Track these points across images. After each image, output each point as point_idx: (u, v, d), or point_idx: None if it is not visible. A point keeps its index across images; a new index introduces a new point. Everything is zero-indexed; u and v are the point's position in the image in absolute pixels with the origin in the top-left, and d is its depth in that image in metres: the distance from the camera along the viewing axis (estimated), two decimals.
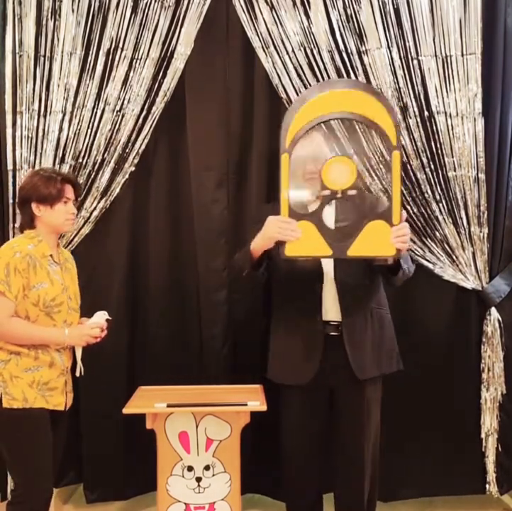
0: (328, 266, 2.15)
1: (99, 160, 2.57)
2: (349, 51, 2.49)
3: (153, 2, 2.50)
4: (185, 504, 2.30)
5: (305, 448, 2.22)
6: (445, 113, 2.50)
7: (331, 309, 2.14)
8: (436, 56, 2.49)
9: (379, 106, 1.98)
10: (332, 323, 2.14)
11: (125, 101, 2.55)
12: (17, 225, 2.29)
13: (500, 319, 2.60)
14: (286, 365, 2.20)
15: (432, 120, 2.51)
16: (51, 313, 1.98)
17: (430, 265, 2.60)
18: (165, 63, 2.55)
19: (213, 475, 2.30)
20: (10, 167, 2.54)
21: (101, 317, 2.10)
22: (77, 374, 2.12)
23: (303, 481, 2.26)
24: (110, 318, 2.11)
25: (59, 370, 2.03)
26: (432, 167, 2.53)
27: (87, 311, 2.18)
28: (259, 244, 2.04)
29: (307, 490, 2.28)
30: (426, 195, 2.55)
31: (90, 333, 2.04)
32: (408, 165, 2.53)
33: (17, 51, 2.51)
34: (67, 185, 2.06)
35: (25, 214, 2.05)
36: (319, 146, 2.10)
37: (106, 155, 2.57)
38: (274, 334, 2.28)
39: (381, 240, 1.96)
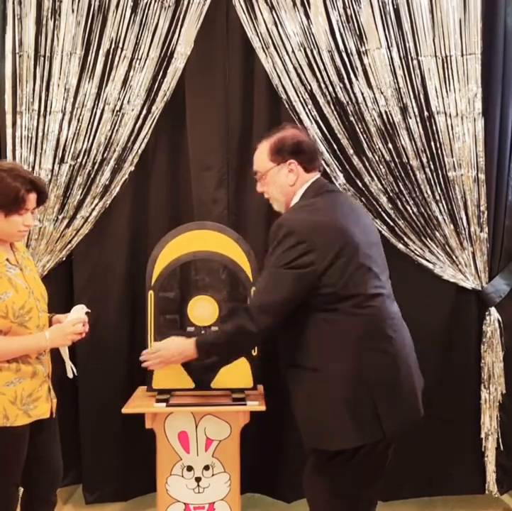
0: None
1: (99, 160, 2.57)
2: (349, 51, 2.49)
3: (153, 2, 2.50)
4: (184, 504, 2.30)
5: None
6: (445, 113, 2.50)
7: None
8: (436, 56, 2.49)
9: (235, 245, 2.25)
10: None
11: (125, 101, 2.55)
12: None
13: (500, 318, 2.60)
14: None
15: (432, 120, 2.51)
16: (23, 322, 1.84)
17: (430, 265, 2.60)
18: (165, 63, 2.55)
19: (213, 475, 2.30)
20: None
21: (79, 312, 1.95)
22: (69, 375, 2.00)
23: None
24: (89, 310, 1.97)
25: (42, 379, 1.92)
26: (432, 167, 2.53)
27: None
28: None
29: None
30: (426, 195, 2.55)
31: (73, 330, 1.89)
32: (408, 165, 2.53)
33: (17, 51, 2.51)
34: (31, 195, 1.84)
35: None
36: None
37: (105, 154, 2.57)
38: None
39: (240, 373, 2.19)
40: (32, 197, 1.85)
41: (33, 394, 1.88)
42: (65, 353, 1.96)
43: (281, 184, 1.91)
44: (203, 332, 2.21)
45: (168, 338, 2.06)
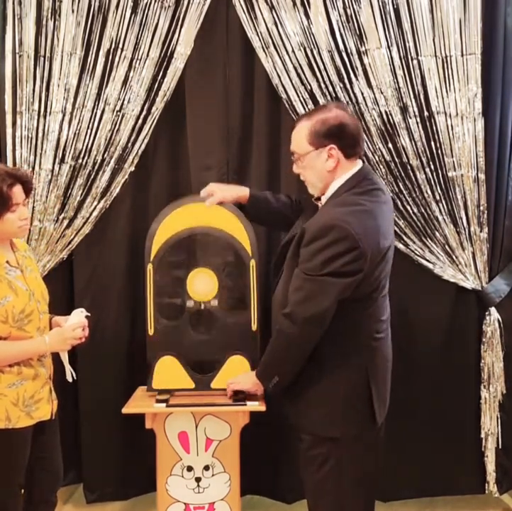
0: None
1: (99, 160, 2.57)
2: (349, 51, 2.49)
3: (153, 2, 2.50)
4: (184, 504, 2.30)
5: None
6: (445, 113, 2.50)
7: None
8: (436, 56, 2.49)
9: (235, 219, 2.16)
10: None
11: (125, 102, 2.55)
12: None
13: (500, 318, 2.60)
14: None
15: (432, 120, 2.51)
16: (23, 326, 1.83)
17: (430, 265, 2.60)
18: (165, 63, 2.55)
19: (213, 475, 2.30)
20: None
21: (79, 316, 1.93)
22: (69, 379, 2.00)
23: None
24: (89, 314, 1.96)
25: (44, 380, 1.92)
26: (432, 167, 2.53)
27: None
28: None
29: None
30: (426, 195, 2.55)
31: (73, 335, 1.88)
32: (408, 165, 2.53)
33: (17, 51, 2.51)
34: (15, 188, 1.80)
35: None
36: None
37: (105, 155, 2.57)
38: None
39: (240, 373, 2.18)
40: (17, 190, 1.82)
41: (35, 395, 1.88)
42: (65, 357, 1.96)
43: (319, 169, 1.80)
44: (202, 307, 2.16)
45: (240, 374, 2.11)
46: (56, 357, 1.99)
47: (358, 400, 1.82)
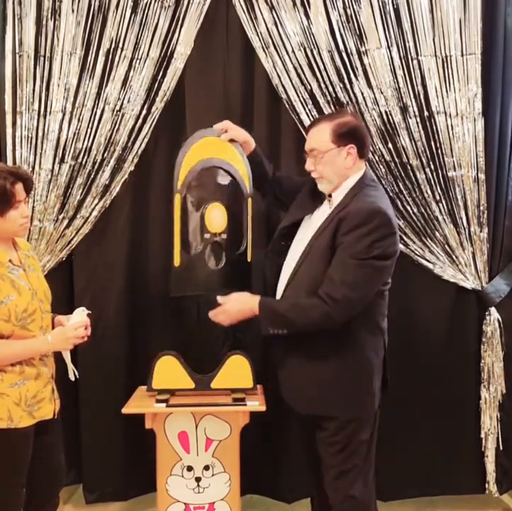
0: None
1: (99, 160, 2.57)
2: (349, 51, 2.49)
3: (153, 2, 2.50)
4: (184, 504, 2.30)
5: None
6: (445, 113, 2.50)
7: None
8: (436, 56, 2.49)
9: (240, 158, 2.19)
10: None
11: (125, 101, 2.55)
12: None
13: (499, 318, 2.60)
14: None
15: (432, 120, 2.51)
16: (25, 325, 1.83)
17: (430, 265, 2.60)
18: (165, 63, 2.55)
19: (213, 475, 2.30)
20: None
21: (81, 315, 1.94)
22: (71, 378, 2.02)
23: None
24: (90, 312, 1.96)
25: (46, 380, 1.92)
26: (432, 167, 2.53)
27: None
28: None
29: None
30: (426, 195, 2.55)
31: (75, 334, 1.89)
32: (407, 165, 2.53)
33: (17, 51, 2.51)
34: (17, 186, 1.83)
35: None
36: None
37: (105, 154, 2.57)
38: None
39: (240, 373, 2.22)
40: (19, 188, 1.84)
41: (37, 395, 1.88)
42: (67, 356, 1.97)
43: (338, 166, 1.95)
44: (216, 239, 2.15)
45: (233, 293, 2.05)
46: (58, 356, 1.99)
47: (370, 383, 1.95)
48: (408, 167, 2.54)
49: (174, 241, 2.11)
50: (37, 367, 1.88)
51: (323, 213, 2.00)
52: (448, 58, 2.49)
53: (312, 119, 2.51)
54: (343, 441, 1.92)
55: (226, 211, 2.17)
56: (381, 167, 2.55)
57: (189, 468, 2.29)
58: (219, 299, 2.04)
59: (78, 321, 1.92)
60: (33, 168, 2.52)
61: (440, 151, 2.52)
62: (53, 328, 1.98)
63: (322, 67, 2.50)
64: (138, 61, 2.54)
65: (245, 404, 2.18)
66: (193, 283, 2.14)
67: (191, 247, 2.12)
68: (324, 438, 1.95)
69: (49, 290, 2.00)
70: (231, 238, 2.19)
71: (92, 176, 2.57)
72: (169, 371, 2.20)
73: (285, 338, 1.92)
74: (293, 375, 1.98)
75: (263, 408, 2.17)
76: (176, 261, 2.09)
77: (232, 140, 2.20)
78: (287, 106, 2.55)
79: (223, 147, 2.18)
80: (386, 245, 1.83)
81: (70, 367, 1.99)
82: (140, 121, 2.57)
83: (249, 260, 2.23)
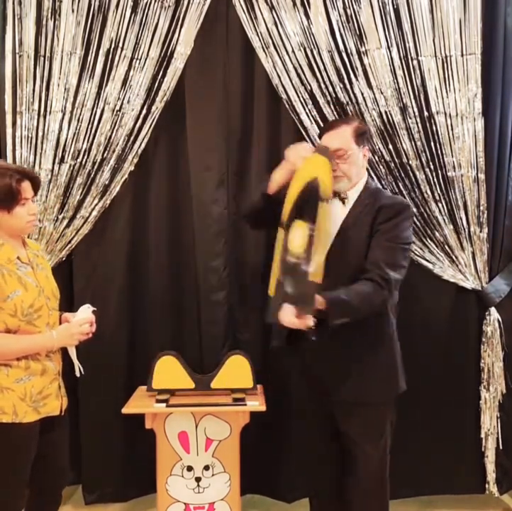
0: None
1: (99, 160, 2.57)
2: (349, 51, 2.49)
3: (153, 2, 2.50)
4: (184, 504, 2.30)
5: None
6: (445, 113, 2.50)
7: None
8: (436, 56, 2.49)
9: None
10: None
11: (125, 101, 2.55)
12: None
13: (499, 318, 2.60)
14: None
15: (432, 120, 2.51)
16: (32, 320, 1.86)
17: (430, 265, 2.60)
18: (165, 63, 2.55)
19: (213, 475, 2.30)
20: None
21: (86, 311, 1.99)
22: (77, 374, 2.06)
23: None
24: (95, 309, 2.01)
25: (52, 376, 1.94)
26: (432, 167, 2.53)
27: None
28: None
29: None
30: (426, 195, 2.55)
31: (80, 330, 1.93)
32: (407, 165, 2.53)
33: (17, 51, 2.51)
34: (23, 184, 1.87)
35: None
36: None
37: (105, 154, 2.57)
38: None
39: (240, 373, 2.22)
40: (26, 186, 1.88)
41: (43, 391, 1.91)
42: (73, 353, 2.01)
43: (358, 166, 2.08)
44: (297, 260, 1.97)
45: None
46: (64, 355, 2.02)
47: (401, 366, 2.08)
48: (408, 168, 2.54)
49: (273, 269, 1.97)
50: (43, 363, 1.91)
51: (338, 209, 2.06)
52: (448, 58, 2.49)
53: (312, 119, 2.52)
54: (379, 422, 2.07)
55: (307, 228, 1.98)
56: (381, 167, 2.55)
57: (189, 468, 2.29)
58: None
59: (83, 318, 1.97)
60: (33, 168, 2.52)
61: (439, 151, 2.52)
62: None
63: (322, 67, 2.50)
64: (138, 61, 2.54)
65: (245, 404, 2.18)
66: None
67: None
68: (360, 423, 2.04)
69: (57, 290, 2.04)
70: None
71: (92, 176, 2.57)
72: (169, 371, 2.21)
73: (326, 331, 1.91)
74: (338, 365, 2.02)
75: (263, 408, 2.17)
76: (271, 291, 1.99)
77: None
78: (287, 106, 2.55)
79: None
80: (411, 233, 2.08)
81: (76, 363, 2.02)
82: (139, 120, 2.57)
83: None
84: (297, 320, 1.79)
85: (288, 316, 1.80)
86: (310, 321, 1.80)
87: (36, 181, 1.94)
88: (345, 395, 2.02)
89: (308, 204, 1.93)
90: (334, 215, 2.03)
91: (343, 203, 2.07)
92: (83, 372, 2.07)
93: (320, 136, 2.16)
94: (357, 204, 2.06)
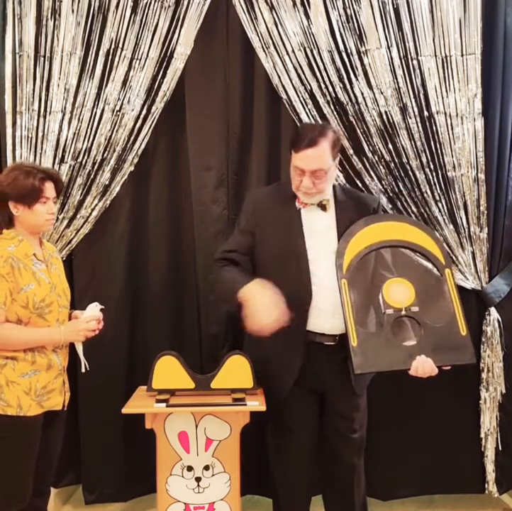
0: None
1: (99, 160, 2.57)
2: (349, 51, 2.49)
3: (153, 2, 2.50)
4: (184, 504, 2.30)
5: None
6: (445, 113, 2.50)
7: None
8: (436, 56, 2.49)
9: (422, 233, 2.17)
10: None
11: (125, 101, 2.55)
12: None
13: (499, 318, 2.60)
14: None
15: (432, 120, 2.51)
16: (43, 314, 1.94)
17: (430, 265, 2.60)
18: (165, 63, 2.55)
19: (213, 475, 2.30)
20: None
21: (94, 309, 2.08)
22: (82, 369, 2.11)
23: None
24: (103, 307, 2.10)
25: (57, 371, 1.99)
26: (432, 167, 2.53)
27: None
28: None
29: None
30: (426, 195, 2.55)
31: (87, 327, 2.01)
32: (407, 165, 2.53)
33: (17, 51, 2.51)
34: (47, 183, 1.97)
35: (3, 212, 1.96)
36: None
37: (105, 154, 2.57)
38: None
39: (240, 373, 2.22)
40: (48, 186, 1.98)
41: (48, 386, 1.95)
42: (79, 349, 2.08)
43: (333, 178, 2.12)
44: (403, 312, 2.08)
45: None
46: (70, 352, 2.09)
47: None
48: (408, 167, 2.53)
49: (348, 321, 2.05)
50: (49, 357, 1.96)
51: (322, 216, 2.12)
52: (448, 58, 2.49)
53: (312, 119, 2.52)
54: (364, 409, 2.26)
55: (412, 285, 2.11)
56: (381, 167, 2.55)
57: (189, 468, 2.29)
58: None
59: (91, 315, 2.05)
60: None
61: (439, 151, 2.52)
62: None
63: (322, 67, 2.50)
64: (138, 61, 2.54)
65: (245, 404, 2.18)
66: (379, 359, 2.07)
67: (367, 324, 2.07)
68: (358, 405, 2.22)
69: (68, 290, 2.12)
70: (425, 311, 2.09)
71: (92, 176, 2.57)
72: (169, 371, 2.21)
73: None
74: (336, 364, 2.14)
75: (263, 408, 2.17)
76: (354, 341, 2.04)
77: None
78: (287, 106, 2.55)
79: (397, 230, 2.18)
80: None
81: (82, 359, 2.09)
82: (139, 121, 2.57)
83: (463, 332, 2.09)
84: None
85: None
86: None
87: (59, 184, 2.05)
88: (358, 389, 2.17)
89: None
90: (323, 221, 2.12)
91: (325, 209, 2.12)
92: (88, 369, 2.13)
93: (293, 145, 2.08)
94: (337, 205, 2.14)
